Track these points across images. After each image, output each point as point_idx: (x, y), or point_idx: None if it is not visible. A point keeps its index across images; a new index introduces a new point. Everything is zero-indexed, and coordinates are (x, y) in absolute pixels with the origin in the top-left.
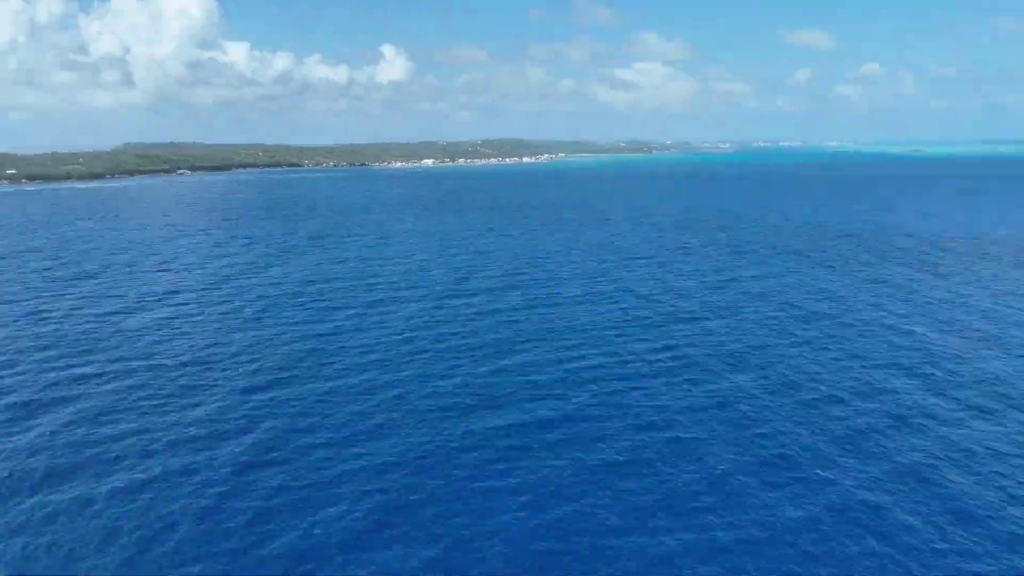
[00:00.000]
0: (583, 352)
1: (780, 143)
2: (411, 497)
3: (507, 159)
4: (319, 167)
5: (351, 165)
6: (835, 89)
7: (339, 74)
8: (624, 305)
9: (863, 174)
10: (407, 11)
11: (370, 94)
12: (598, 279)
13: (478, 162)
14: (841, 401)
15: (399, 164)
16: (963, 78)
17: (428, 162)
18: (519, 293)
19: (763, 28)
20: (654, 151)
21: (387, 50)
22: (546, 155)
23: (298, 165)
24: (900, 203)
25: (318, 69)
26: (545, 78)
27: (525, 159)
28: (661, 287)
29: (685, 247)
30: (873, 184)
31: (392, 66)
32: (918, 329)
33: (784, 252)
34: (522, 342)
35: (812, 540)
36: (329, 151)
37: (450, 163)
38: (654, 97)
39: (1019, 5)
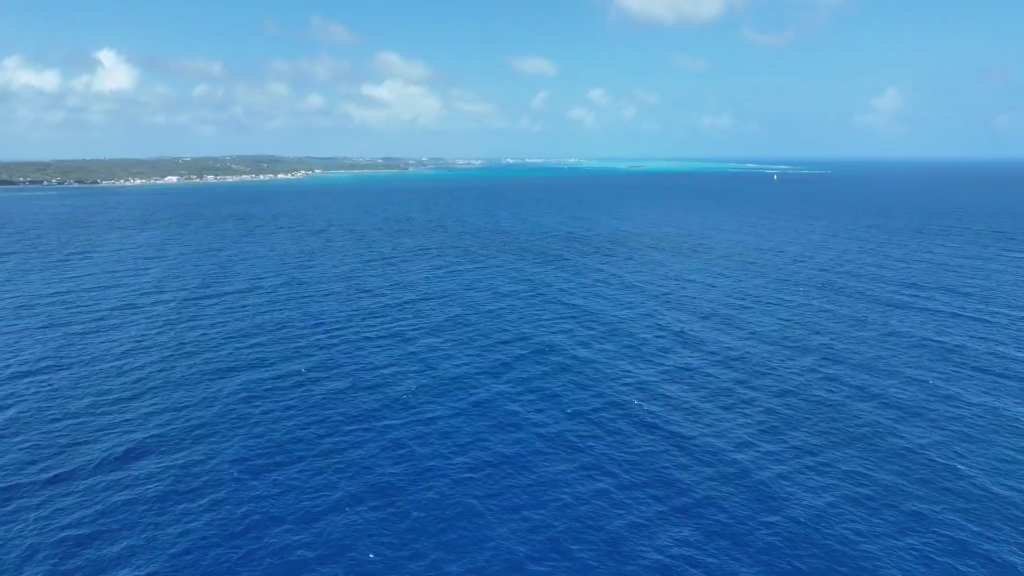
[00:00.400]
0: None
1: (526, 159)
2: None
3: (261, 176)
4: (36, 185)
5: (79, 183)
6: (569, 112)
7: (48, 81)
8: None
9: (592, 184)
10: (123, 14)
11: (91, 105)
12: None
13: (229, 179)
14: (506, 342)
15: (138, 181)
16: (665, 104)
17: (172, 179)
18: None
19: (492, 55)
20: (411, 167)
21: (106, 56)
22: (302, 171)
23: (11, 183)
24: (612, 209)
25: (20, 74)
26: (291, 94)
27: (280, 176)
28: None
29: (422, 249)
30: (596, 194)
31: (114, 74)
32: (578, 301)
33: (504, 252)
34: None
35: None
36: (46, 167)
37: (197, 180)
38: (406, 115)
39: (688, 44)
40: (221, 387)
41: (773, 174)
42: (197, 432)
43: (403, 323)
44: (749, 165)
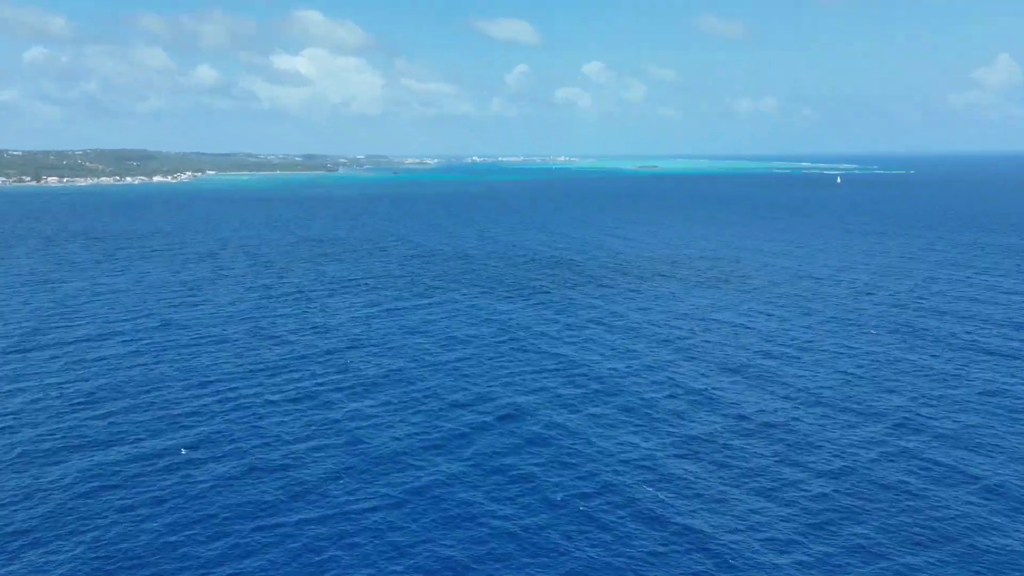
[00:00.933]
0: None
1: (500, 158)
2: None
3: (129, 178)
4: None
5: None
6: (557, 93)
7: None
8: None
9: (588, 191)
10: None
11: None
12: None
13: (81, 182)
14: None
15: None
16: (687, 82)
17: None
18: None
19: (452, 15)
20: (341, 167)
21: None
22: (189, 173)
23: None
24: (614, 224)
25: None
26: (171, 64)
27: (157, 178)
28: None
29: (345, 282)
30: (593, 203)
31: None
32: (563, 349)
33: (465, 282)
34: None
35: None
36: None
37: (32, 183)
38: (334, 96)
39: (717, 1)
40: (58, 474)
41: (836, 176)
42: (18, 541)
43: (323, 381)
44: (803, 165)
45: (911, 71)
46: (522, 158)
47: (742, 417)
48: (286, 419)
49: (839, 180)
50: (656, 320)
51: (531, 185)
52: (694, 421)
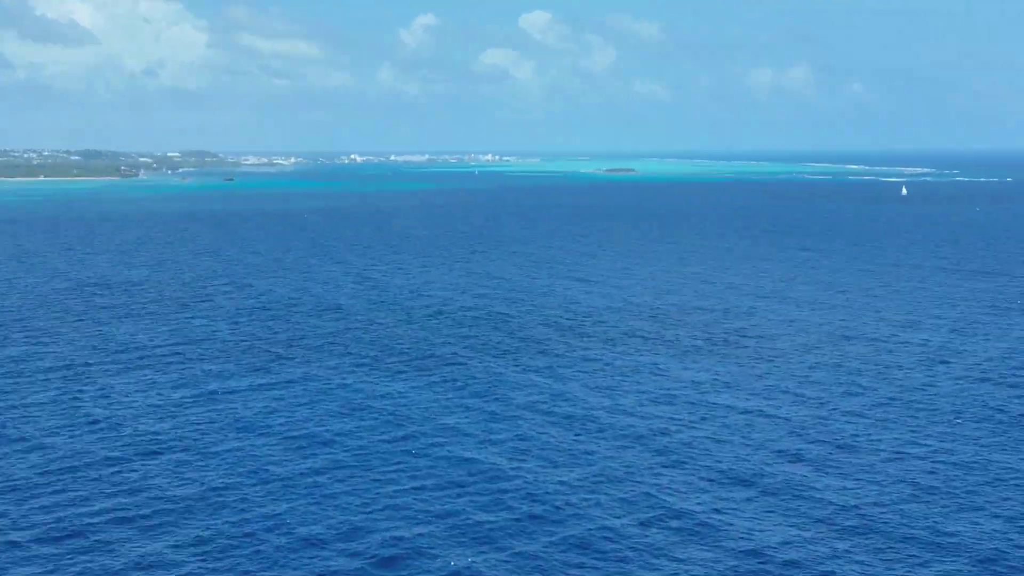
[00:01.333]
0: None
1: (392, 156)
2: None
3: None
4: None
5: None
6: (480, 58)
7: None
8: None
9: (530, 206)
10: None
11: None
12: None
13: None
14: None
15: None
16: (676, 44)
17: None
18: None
19: None
20: (143, 171)
21: None
22: None
23: None
24: (567, 259)
25: None
26: None
27: None
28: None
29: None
30: (537, 225)
31: None
32: (478, 452)
33: (334, 349)
34: None
35: None
36: None
37: None
38: (134, 62)
39: None
40: None
41: (899, 184)
42: None
43: (101, 507)
44: (850, 167)
45: (1008, 33)
46: (427, 157)
47: (755, 553)
48: (41, 573)
49: (904, 191)
50: (627, 405)
51: (441, 198)
52: (683, 560)
